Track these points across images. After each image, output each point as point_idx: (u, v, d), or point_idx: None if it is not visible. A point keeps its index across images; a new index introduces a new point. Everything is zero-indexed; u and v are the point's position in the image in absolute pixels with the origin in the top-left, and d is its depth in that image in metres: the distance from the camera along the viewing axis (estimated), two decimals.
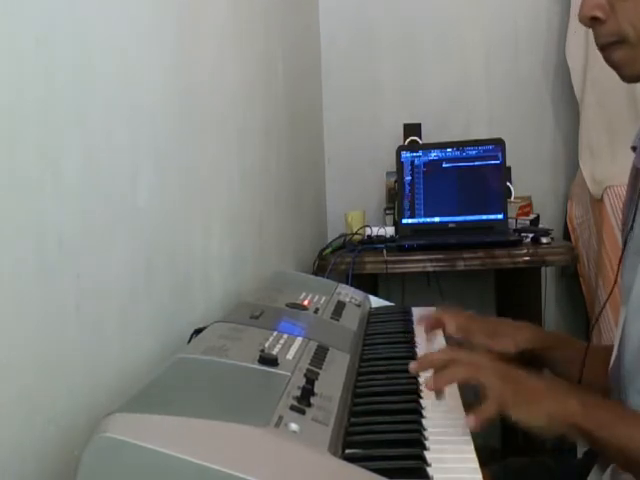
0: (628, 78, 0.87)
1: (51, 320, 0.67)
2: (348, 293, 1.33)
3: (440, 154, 2.25)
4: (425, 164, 2.26)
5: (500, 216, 2.17)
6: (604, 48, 0.87)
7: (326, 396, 0.75)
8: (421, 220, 2.24)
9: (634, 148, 0.98)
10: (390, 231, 2.22)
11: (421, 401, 0.85)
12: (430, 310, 1.26)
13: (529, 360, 1.09)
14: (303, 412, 0.68)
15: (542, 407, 0.79)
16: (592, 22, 0.86)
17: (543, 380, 0.84)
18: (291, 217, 1.91)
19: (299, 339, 0.90)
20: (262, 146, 1.58)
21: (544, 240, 2.06)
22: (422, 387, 0.90)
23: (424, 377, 0.95)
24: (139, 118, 0.89)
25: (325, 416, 0.70)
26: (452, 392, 0.85)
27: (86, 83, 0.74)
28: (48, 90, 0.67)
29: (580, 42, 2.27)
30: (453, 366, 0.80)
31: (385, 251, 2.05)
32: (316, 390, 0.74)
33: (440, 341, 1.11)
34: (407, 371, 0.98)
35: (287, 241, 1.84)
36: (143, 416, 0.58)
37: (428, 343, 1.10)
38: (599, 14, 0.85)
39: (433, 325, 1.10)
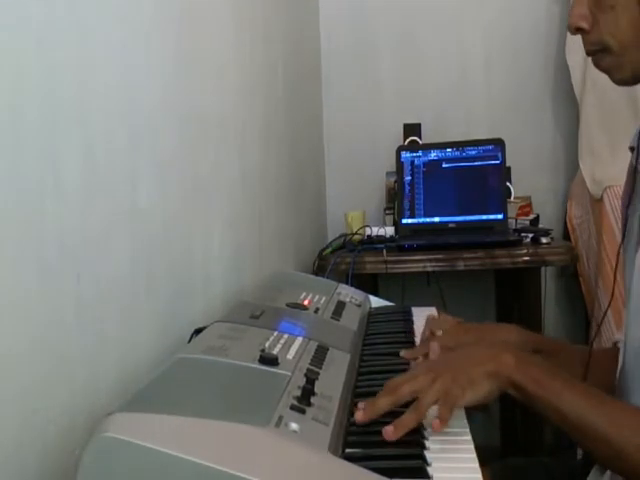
0: (618, 82, 0.91)
1: (51, 320, 0.67)
2: (348, 293, 1.33)
3: (440, 154, 2.25)
4: (425, 164, 2.26)
5: (500, 216, 2.17)
6: (591, 55, 0.91)
7: (326, 396, 0.75)
8: (421, 220, 2.24)
9: (632, 149, 0.99)
10: (390, 231, 2.22)
11: None
12: (430, 310, 1.27)
13: None
14: (303, 412, 0.68)
15: (480, 373, 0.81)
16: (578, 32, 0.90)
17: (478, 348, 0.88)
18: (291, 217, 1.91)
19: (299, 339, 0.90)
20: (262, 146, 1.58)
21: (544, 240, 2.06)
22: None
23: None
24: (139, 118, 0.89)
25: (325, 416, 0.70)
26: None
27: (86, 83, 0.75)
28: (48, 90, 0.67)
29: (580, 42, 2.27)
30: (405, 413, 0.78)
31: (385, 251, 2.05)
32: (316, 390, 0.74)
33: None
34: (407, 371, 0.98)
35: (287, 241, 1.84)
36: (143, 416, 0.58)
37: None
38: (583, 25, 0.89)
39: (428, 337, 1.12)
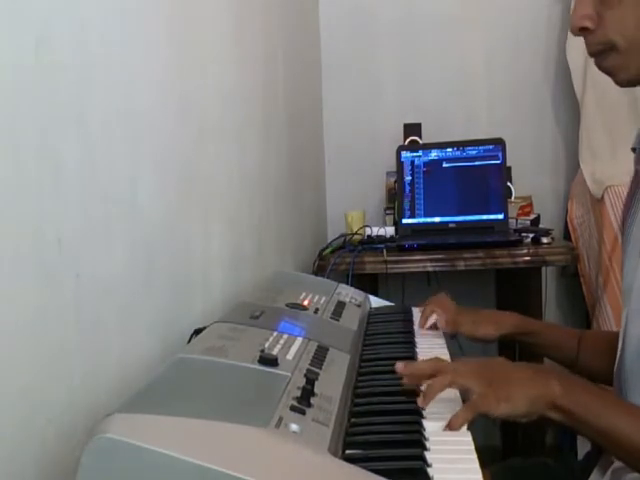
0: (621, 83, 0.90)
1: (51, 320, 0.67)
2: (348, 293, 1.33)
3: (440, 154, 2.25)
4: (425, 164, 2.25)
5: (500, 216, 2.17)
6: (595, 56, 0.90)
7: (326, 396, 0.75)
8: (421, 220, 2.24)
9: (634, 149, 0.98)
10: (390, 231, 2.22)
11: None
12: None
13: (518, 344, 1.25)
14: (303, 412, 0.68)
15: (522, 394, 0.82)
16: (582, 32, 0.89)
17: (523, 368, 0.87)
18: (291, 217, 1.91)
19: (299, 339, 0.90)
20: (262, 146, 1.58)
21: (544, 240, 2.06)
22: (422, 387, 0.90)
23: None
24: (139, 118, 0.89)
25: (325, 416, 0.70)
26: (452, 392, 0.85)
27: (86, 83, 0.74)
28: (48, 90, 0.67)
29: (580, 42, 2.27)
30: (437, 377, 0.84)
31: (385, 251, 2.05)
32: (316, 390, 0.74)
33: (439, 340, 1.20)
34: None
35: (287, 241, 1.84)
36: (143, 416, 0.58)
37: (426, 339, 1.19)
38: (588, 24, 0.88)
39: (425, 321, 1.25)
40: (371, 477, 0.60)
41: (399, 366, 0.86)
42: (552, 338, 1.21)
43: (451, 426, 0.78)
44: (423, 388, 0.88)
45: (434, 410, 0.82)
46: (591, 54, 0.90)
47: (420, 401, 0.81)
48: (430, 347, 1.14)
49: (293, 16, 2.10)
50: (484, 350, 2.56)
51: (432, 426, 0.79)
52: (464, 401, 0.83)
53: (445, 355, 1.11)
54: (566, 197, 2.53)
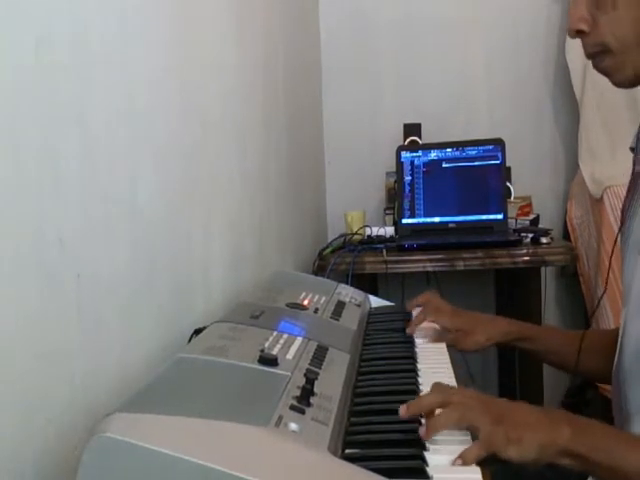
0: (618, 84, 0.91)
1: (51, 320, 0.67)
2: (348, 293, 1.33)
3: (440, 154, 2.25)
4: (425, 164, 2.26)
5: (500, 216, 2.17)
6: (591, 57, 0.91)
7: (326, 396, 0.75)
8: (421, 220, 2.24)
9: (632, 149, 0.99)
10: (390, 231, 2.22)
11: None
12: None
13: (516, 350, 1.20)
14: (303, 412, 0.68)
15: (533, 439, 0.78)
16: (578, 34, 0.91)
17: (532, 410, 0.83)
18: (291, 217, 1.91)
19: (299, 339, 0.90)
20: (262, 146, 1.58)
21: (544, 240, 2.06)
22: (422, 387, 0.90)
23: (423, 377, 0.96)
24: (139, 118, 0.89)
25: (325, 416, 0.70)
26: None
27: (86, 83, 0.75)
28: (48, 90, 0.67)
29: (579, 43, 2.27)
30: (444, 410, 0.79)
31: (385, 251, 2.05)
32: (316, 390, 0.74)
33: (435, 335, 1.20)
34: (407, 371, 0.98)
35: (287, 241, 1.84)
36: (143, 416, 0.58)
37: (426, 339, 1.18)
38: (583, 27, 0.89)
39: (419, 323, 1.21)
40: (371, 476, 0.60)
41: (402, 410, 0.78)
42: (550, 343, 1.19)
43: (464, 460, 0.73)
44: (423, 388, 0.88)
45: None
46: (588, 56, 0.92)
47: (423, 433, 0.75)
48: (430, 347, 1.14)
49: (293, 17, 2.10)
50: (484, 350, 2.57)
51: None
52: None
53: (445, 355, 1.11)
54: (565, 197, 2.54)
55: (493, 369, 2.61)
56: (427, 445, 0.74)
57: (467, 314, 1.23)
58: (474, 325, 1.20)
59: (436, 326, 1.22)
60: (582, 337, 1.10)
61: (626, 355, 0.93)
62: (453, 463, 0.71)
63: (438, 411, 0.78)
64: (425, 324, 1.21)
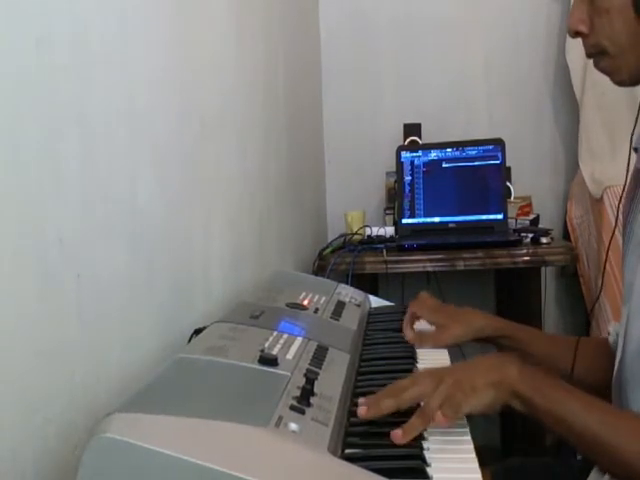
0: (618, 83, 0.93)
1: (51, 320, 0.67)
2: (348, 293, 1.33)
3: (440, 154, 2.25)
4: (425, 164, 2.26)
5: (500, 216, 2.17)
6: (591, 57, 0.94)
7: (326, 396, 0.75)
8: (421, 220, 2.24)
9: (635, 149, 0.99)
10: (390, 231, 2.22)
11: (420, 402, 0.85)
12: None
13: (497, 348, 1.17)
14: (303, 412, 0.68)
15: (485, 381, 0.81)
16: (577, 36, 0.93)
17: (485, 357, 0.86)
18: (291, 217, 1.91)
19: (299, 339, 0.90)
20: (262, 146, 1.58)
21: (544, 240, 2.06)
22: None
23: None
24: (139, 118, 0.89)
25: (325, 416, 0.70)
26: None
27: (86, 83, 0.75)
28: (48, 90, 0.67)
29: (579, 43, 2.27)
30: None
31: (385, 251, 2.05)
32: (316, 390, 0.74)
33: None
34: (407, 371, 0.98)
35: (287, 241, 1.84)
36: (143, 416, 0.58)
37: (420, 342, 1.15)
38: (581, 28, 0.91)
39: (411, 321, 1.18)
40: (371, 476, 0.60)
41: (362, 413, 0.79)
42: (531, 344, 1.15)
43: (439, 422, 0.76)
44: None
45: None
46: (587, 56, 0.94)
47: (398, 437, 0.74)
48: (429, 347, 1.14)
49: (293, 17, 2.10)
50: (483, 348, 2.57)
51: (432, 425, 0.79)
52: (467, 415, 0.82)
53: (444, 354, 1.11)
54: (565, 197, 2.54)
55: None
56: (426, 445, 0.74)
57: (447, 308, 1.20)
58: (451, 319, 1.17)
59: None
60: (577, 344, 1.09)
61: (628, 354, 0.93)
62: (437, 422, 0.76)
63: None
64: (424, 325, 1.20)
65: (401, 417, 0.79)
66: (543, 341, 1.18)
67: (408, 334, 1.14)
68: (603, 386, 1.00)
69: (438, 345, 1.14)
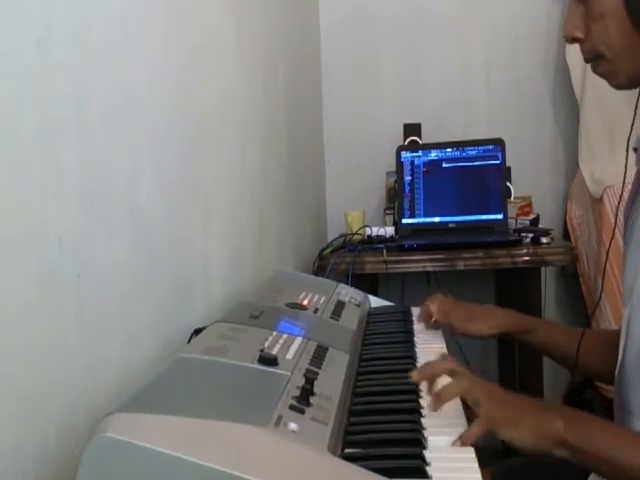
0: (616, 87, 0.94)
1: (51, 320, 0.67)
2: (348, 293, 1.33)
3: (440, 154, 2.25)
4: (425, 164, 2.26)
5: (500, 216, 2.17)
6: (589, 62, 0.94)
7: (325, 396, 0.75)
8: (421, 220, 2.24)
9: (635, 149, 0.99)
10: (390, 231, 2.22)
11: (420, 401, 0.86)
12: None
13: (514, 343, 1.25)
14: (302, 412, 0.68)
15: (529, 427, 0.82)
16: (574, 41, 0.94)
17: (530, 401, 0.87)
18: (291, 217, 1.91)
19: (299, 339, 0.90)
20: (262, 146, 1.58)
21: (544, 240, 2.06)
22: (421, 387, 0.90)
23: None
24: (139, 118, 0.89)
25: (324, 416, 0.70)
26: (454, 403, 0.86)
27: (86, 83, 0.75)
28: (48, 89, 0.67)
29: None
30: (452, 381, 0.84)
31: (385, 251, 2.05)
32: (315, 390, 0.74)
33: (438, 340, 1.20)
34: (407, 371, 0.98)
35: (287, 241, 1.84)
36: (143, 416, 0.58)
37: (425, 339, 1.19)
38: (577, 34, 0.92)
39: (426, 316, 1.25)
40: (370, 476, 0.61)
41: (414, 376, 0.86)
42: (551, 337, 1.21)
43: (463, 441, 0.76)
44: (422, 387, 0.88)
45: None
46: (585, 61, 0.95)
47: (432, 403, 0.81)
48: (429, 347, 1.14)
49: (293, 16, 2.10)
50: (484, 347, 2.57)
51: (430, 423, 0.79)
52: (467, 417, 0.83)
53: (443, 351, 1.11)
54: (565, 197, 2.54)
55: (493, 369, 2.61)
56: (426, 444, 0.74)
57: (470, 305, 1.27)
58: (477, 314, 1.23)
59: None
60: (581, 335, 1.11)
61: (629, 355, 0.93)
62: (453, 444, 0.75)
63: (442, 383, 0.83)
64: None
65: (400, 414, 0.79)
66: (564, 336, 1.21)
67: (431, 315, 1.22)
68: (607, 373, 1.01)
69: (464, 331, 1.21)
